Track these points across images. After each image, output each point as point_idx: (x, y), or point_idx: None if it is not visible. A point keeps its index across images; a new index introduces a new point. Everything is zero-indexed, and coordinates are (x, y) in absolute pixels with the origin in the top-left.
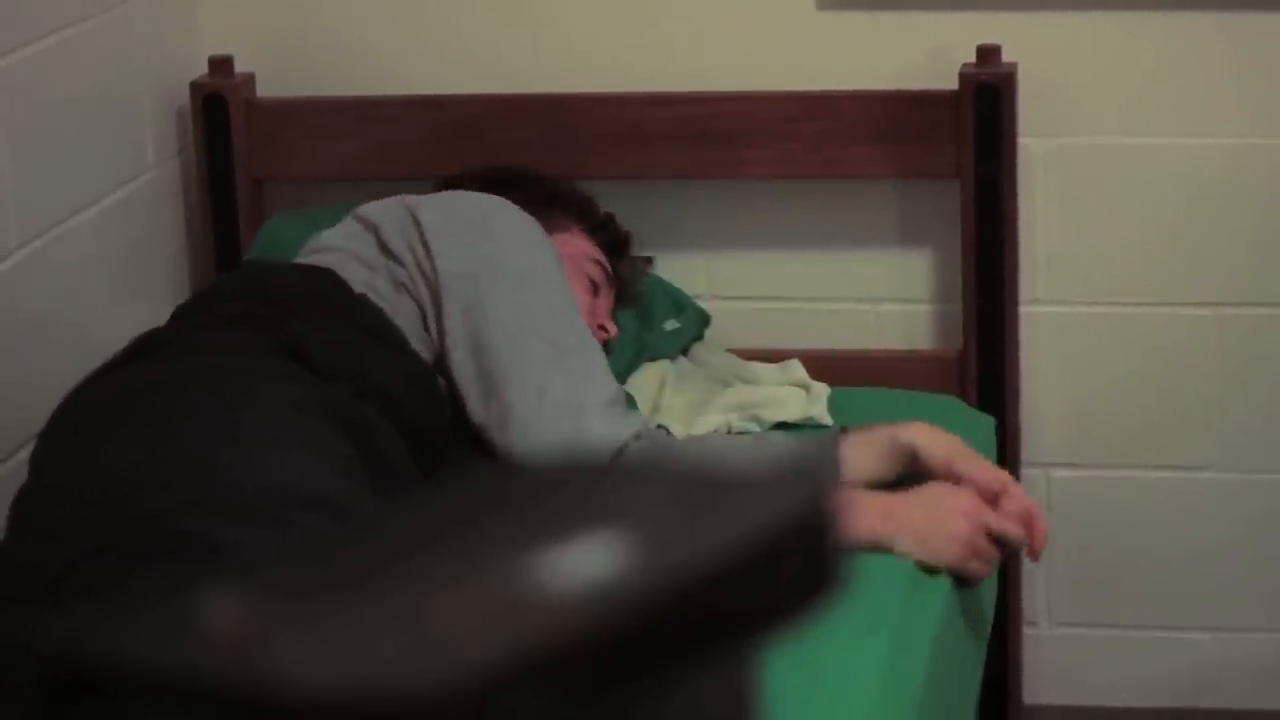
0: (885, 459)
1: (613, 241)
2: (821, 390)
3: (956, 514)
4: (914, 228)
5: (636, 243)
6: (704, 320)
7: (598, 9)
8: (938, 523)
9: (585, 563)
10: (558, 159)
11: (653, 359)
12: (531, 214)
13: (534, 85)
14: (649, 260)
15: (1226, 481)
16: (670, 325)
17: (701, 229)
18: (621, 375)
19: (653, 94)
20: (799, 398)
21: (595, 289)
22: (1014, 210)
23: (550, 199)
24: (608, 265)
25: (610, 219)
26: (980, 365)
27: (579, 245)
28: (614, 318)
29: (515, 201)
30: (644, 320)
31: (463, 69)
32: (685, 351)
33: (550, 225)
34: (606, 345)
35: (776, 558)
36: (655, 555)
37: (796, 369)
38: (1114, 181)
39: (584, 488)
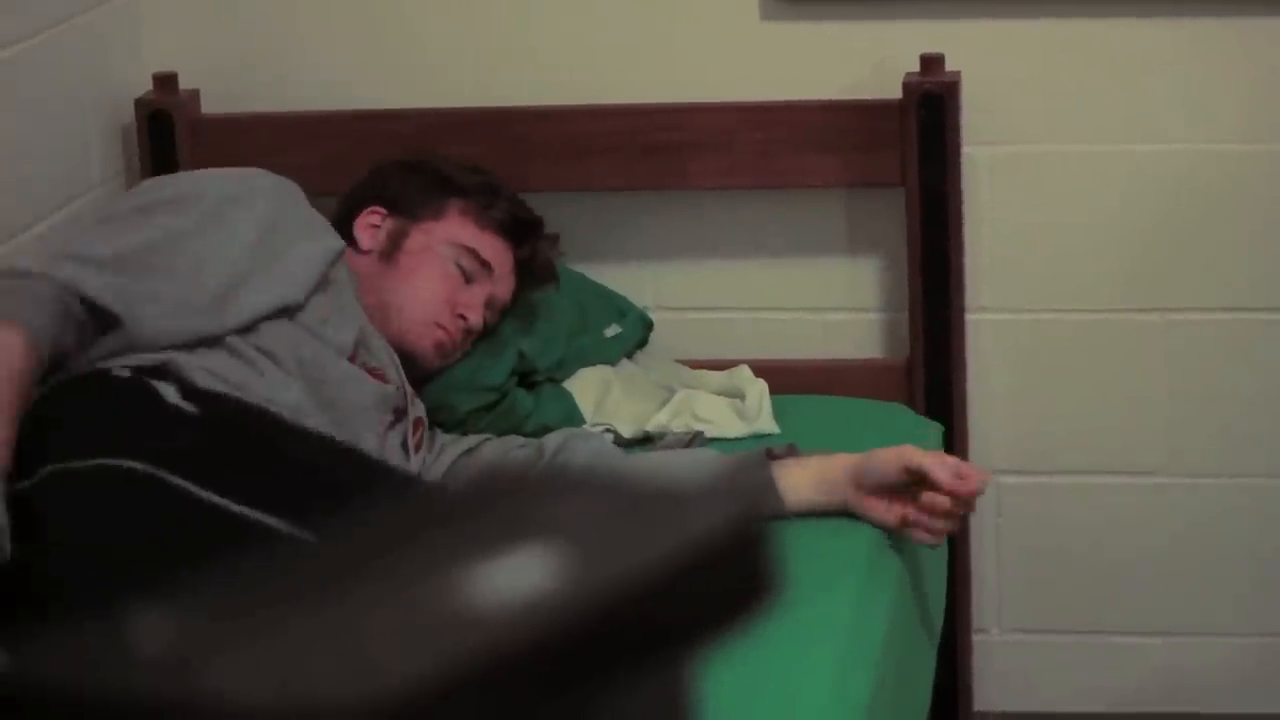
0: (822, 485)
1: (507, 227)
2: (761, 393)
3: None
4: (860, 237)
5: (583, 255)
6: (646, 325)
7: (543, 23)
8: None
9: (517, 578)
10: (504, 172)
11: (593, 364)
12: (401, 202)
13: (480, 99)
14: (554, 239)
15: (1175, 486)
16: (611, 331)
17: (648, 240)
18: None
19: (598, 107)
20: (737, 417)
21: (466, 277)
22: (959, 218)
23: (431, 186)
24: (484, 253)
25: (507, 205)
26: (928, 373)
27: (444, 232)
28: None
29: (392, 187)
30: (585, 326)
31: (409, 83)
32: (629, 356)
33: (420, 214)
34: (469, 336)
35: (710, 570)
36: (587, 569)
37: (743, 373)
38: (1059, 188)
39: (517, 503)
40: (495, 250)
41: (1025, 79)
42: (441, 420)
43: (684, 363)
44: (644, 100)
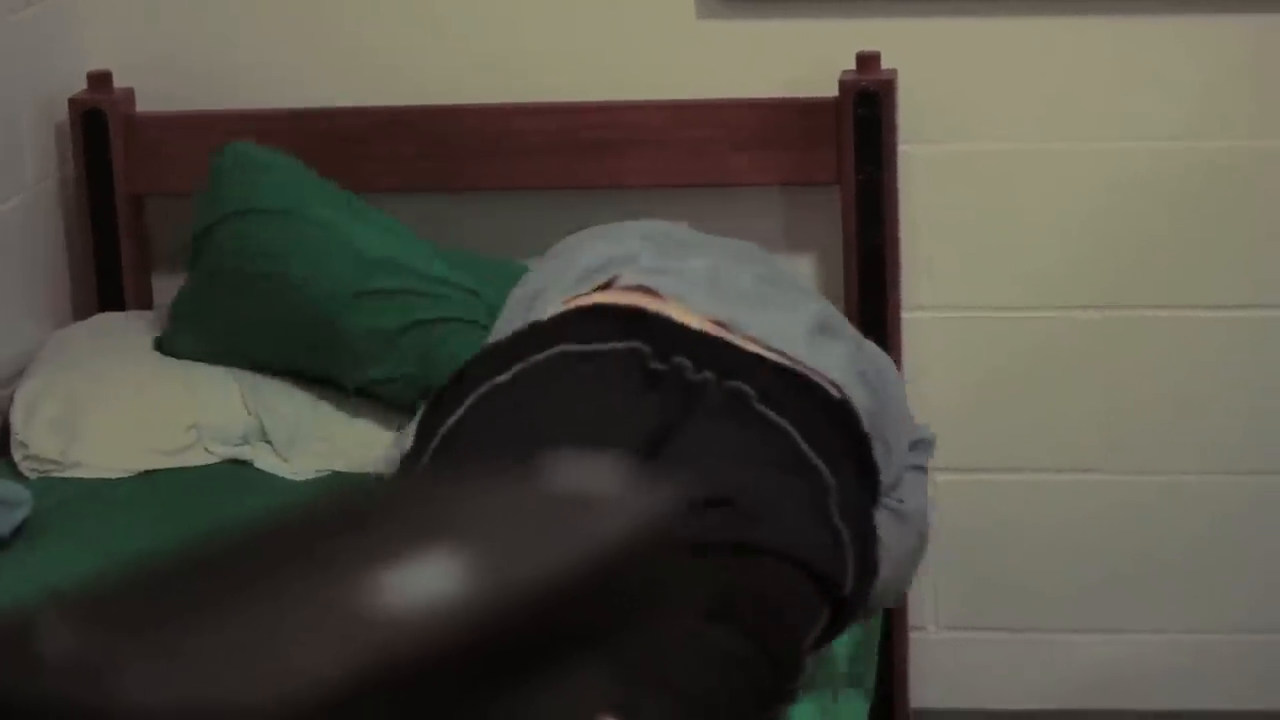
0: None
1: None
2: None
3: None
4: (797, 235)
5: (516, 255)
6: None
7: (479, 20)
8: None
9: (426, 581)
10: (438, 171)
11: None
12: None
13: (414, 98)
14: None
15: (1112, 484)
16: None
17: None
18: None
19: (532, 105)
20: None
21: None
22: (895, 216)
23: None
24: None
25: None
26: None
27: None
28: None
29: None
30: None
31: (344, 82)
32: None
33: None
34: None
35: (621, 573)
36: (498, 572)
37: None
38: (995, 186)
39: (428, 505)
40: None
41: (961, 77)
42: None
43: None
44: (580, 99)
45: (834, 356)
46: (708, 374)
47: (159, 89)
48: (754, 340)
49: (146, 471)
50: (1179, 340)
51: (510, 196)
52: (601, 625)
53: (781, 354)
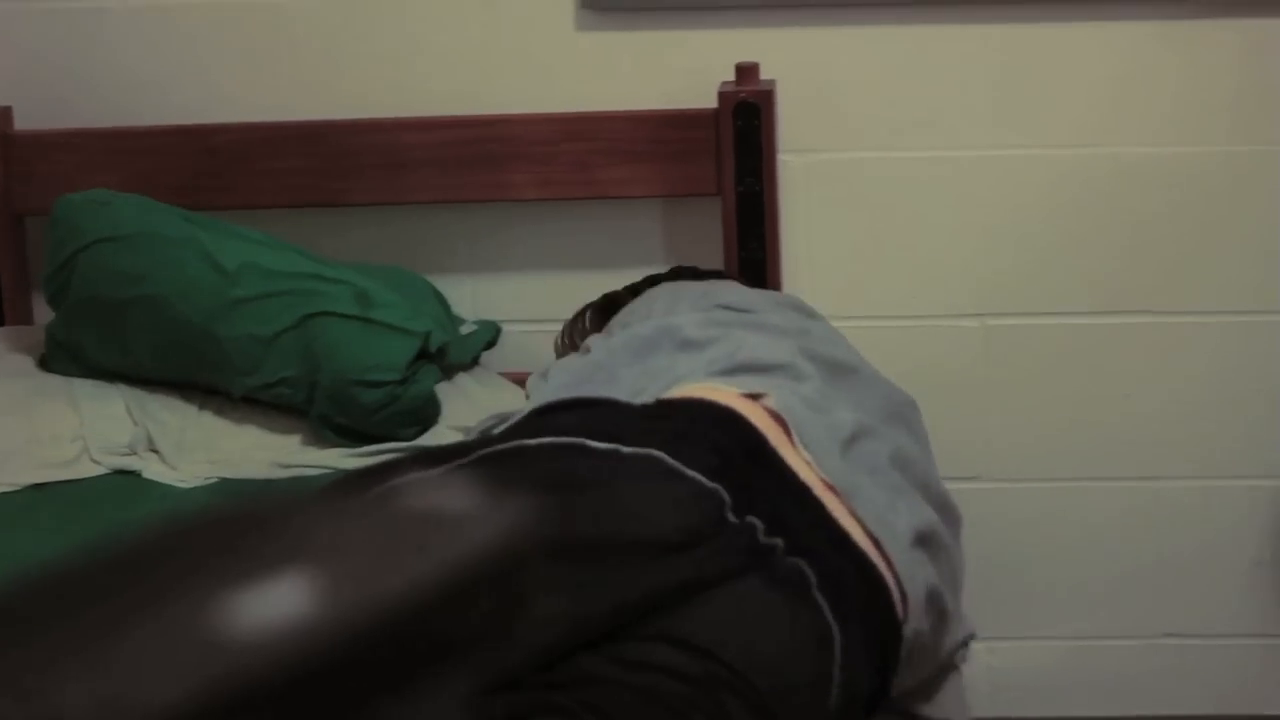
0: None
1: None
2: None
3: None
4: (679, 245)
5: (405, 267)
6: (496, 327)
7: (357, 35)
8: None
9: (279, 602)
10: (323, 186)
11: (453, 363)
12: None
13: (299, 112)
14: None
15: (996, 490)
16: (467, 329)
17: (467, 252)
18: (407, 373)
19: (414, 119)
20: None
21: None
22: (776, 226)
23: None
24: None
25: None
26: None
27: None
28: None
29: None
30: (445, 324)
31: (228, 97)
32: (476, 360)
33: None
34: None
35: (476, 589)
36: (351, 591)
37: None
38: (875, 195)
39: (282, 525)
40: None
41: (841, 86)
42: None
43: (506, 375)
44: (461, 112)
45: (923, 575)
46: (778, 540)
47: (37, 107)
48: (857, 520)
49: (36, 485)
50: (1061, 347)
51: (396, 211)
52: (459, 641)
53: (876, 545)
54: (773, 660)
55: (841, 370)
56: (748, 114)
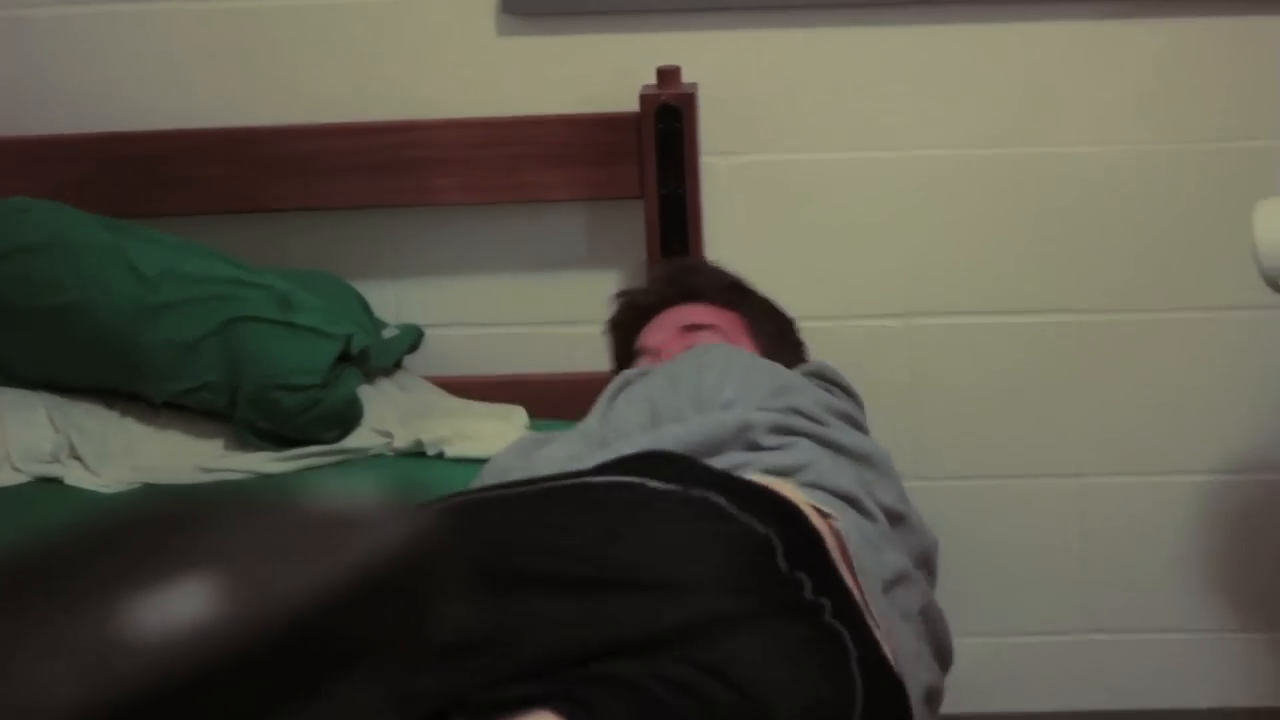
0: None
1: None
2: (522, 414)
3: None
4: (601, 249)
5: (322, 270)
6: (418, 331)
7: (279, 42)
8: None
9: (178, 606)
10: (247, 192)
11: (375, 366)
12: None
13: (218, 120)
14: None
15: (922, 489)
16: (389, 333)
17: (392, 257)
18: (328, 376)
19: (337, 125)
20: (518, 433)
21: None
22: (699, 228)
23: None
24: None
25: None
26: None
27: None
28: None
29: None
30: (367, 327)
31: (145, 106)
32: (398, 364)
33: None
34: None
35: (381, 590)
36: (253, 594)
37: (519, 416)
38: (799, 196)
39: (177, 528)
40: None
41: (763, 88)
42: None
43: (431, 379)
44: (384, 117)
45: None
46: (825, 601)
47: None
48: (891, 653)
49: None
50: (981, 345)
51: (319, 216)
52: (364, 643)
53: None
54: (801, 707)
55: (894, 516)
56: (669, 117)
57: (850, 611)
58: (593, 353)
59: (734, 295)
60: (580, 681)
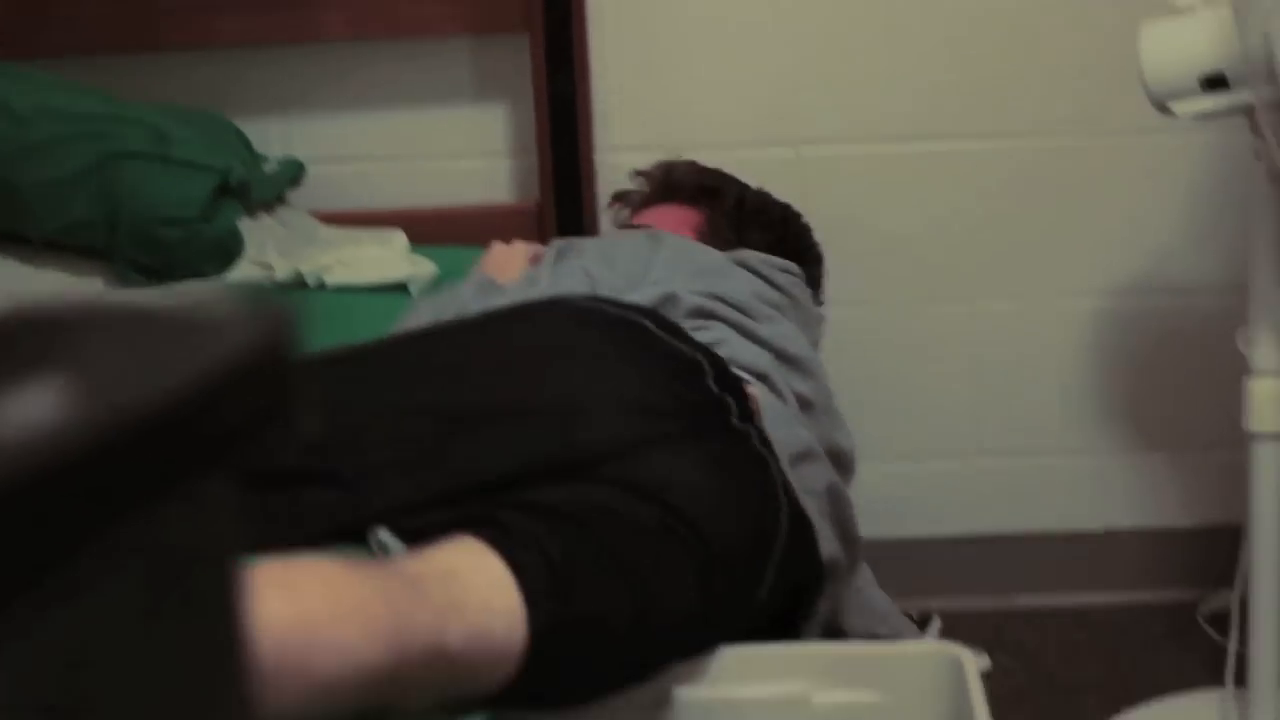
0: None
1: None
2: (404, 241)
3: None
4: (487, 84)
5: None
6: (299, 165)
7: None
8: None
9: (29, 406)
10: (126, 31)
11: (256, 201)
12: None
13: None
14: None
15: None
16: (270, 167)
17: (277, 93)
18: (207, 210)
19: None
20: (398, 259)
21: None
22: (585, 61)
23: None
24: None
25: None
26: (560, 215)
27: None
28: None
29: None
30: (246, 160)
31: None
32: (280, 198)
33: None
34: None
35: (234, 390)
36: (102, 394)
37: (400, 240)
38: (685, 25)
39: (29, 332)
40: None
41: None
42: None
43: (317, 214)
44: None
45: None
46: (751, 429)
47: None
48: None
49: None
50: (876, 173)
51: (205, 54)
52: (220, 441)
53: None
54: (730, 528)
55: (805, 402)
56: None
57: (770, 446)
58: (478, 186)
59: (703, 196)
60: (502, 507)
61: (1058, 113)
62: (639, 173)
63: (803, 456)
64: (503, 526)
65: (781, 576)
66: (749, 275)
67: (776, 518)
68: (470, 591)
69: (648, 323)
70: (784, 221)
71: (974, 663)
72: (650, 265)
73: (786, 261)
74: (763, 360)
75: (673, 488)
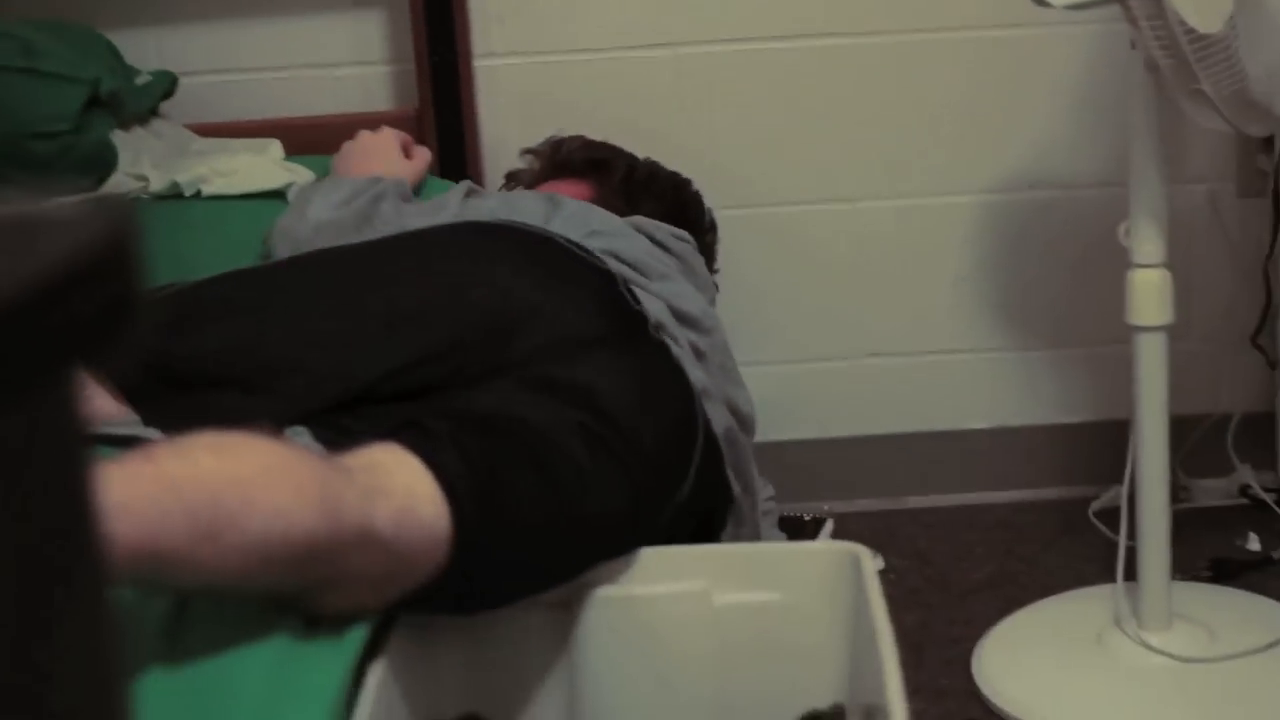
0: None
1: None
2: (279, 149)
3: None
4: None
5: (85, 21)
6: (173, 78)
7: None
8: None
9: None
10: None
11: (130, 113)
12: None
13: None
14: None
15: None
16: (142, 79)
17: (150, 4)
18: (78, 122)
19: None
20: (274, 167)
21: None
22: None
23: None
24: None
25: None
26: (440, 122)
27: None
28: None
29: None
30: (117, 71)
31: None
32: (154, 111)
33: None
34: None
35: (73, 292)
36: None
37: (275, 148)
38: None
39: None
40: None
41: None
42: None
43: (194, 127)
44: None
45: None
46: (667, 341)
47: None
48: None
49: None
50: (757, 67)
51: None
52: (65, 340)
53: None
54: (655, 433)
55: (699, 353)
56: None
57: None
58: (354, 94)
59: (592, 169)
60: (427, 415)
61: (936, 7)
62: (527, 151)
63: (703, 393)
64: (422, 430)
65: (698, 482)
66: (644, 239)
67: (694, 424)
68: (394, 478)
69: (563, 241)
70: (675, 189)
71: (871, 561)
72: (549, 222)
73: (680, 230)
74: (658, 310)
75: (601, 393)
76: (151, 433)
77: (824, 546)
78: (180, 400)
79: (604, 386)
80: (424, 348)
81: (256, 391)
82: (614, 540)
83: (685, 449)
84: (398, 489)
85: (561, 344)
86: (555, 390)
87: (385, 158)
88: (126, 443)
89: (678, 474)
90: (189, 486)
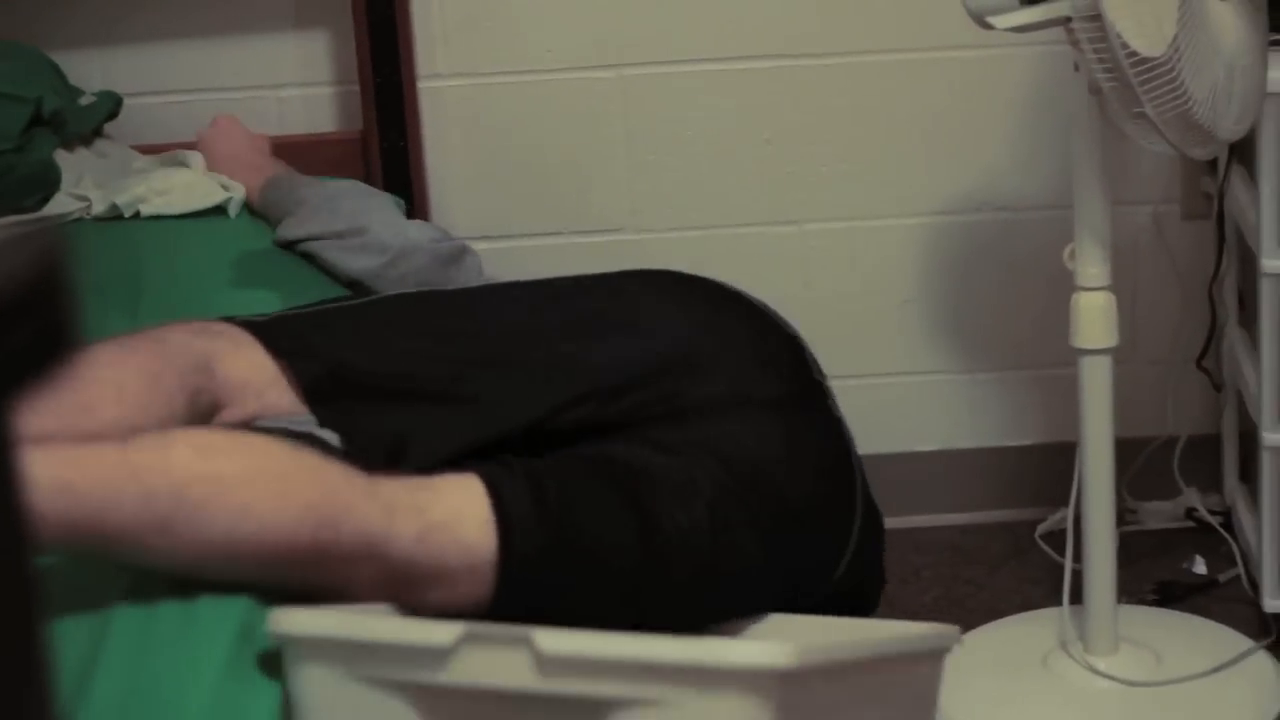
0: None
1: None
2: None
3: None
4: (307, 11)
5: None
6: (117, 99)
7: None
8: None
9: None
10: None
11: (73, 133)
12: None
13: None
14: None
15: (635, 243)
16: (86, 100)
17: (96, 25)
18: (20, 141)
19: None
20: (210, 184)
21: None
22: None
23: None
24: None
25: None
26: (384, 144)
27: None
28: None
29: None
30: (61, 91)
31: None
32: (98, 132)
33: None
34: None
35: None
36: None
37: (197, 159)
38: None
39: None
40: None
41: None
42: None
43: (140, 148)
44: None
45: None
46: (842, 416)
47: None
48: None
49: None
50: (701, 91)
51: None
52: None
53: None
54: (792, 483)
55: None
56: None
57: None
58: (299, 115)
59: None
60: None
61: (883, 30)
62: None
63: None
64: (503, 463)
65: (857, 559)
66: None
67: (852, 500)
68: (441, 498)
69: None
70: None
71: None
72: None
73: None
74: None
75: (753, 457)
76: (327, 434)
77: None
78: (358, 407)
79: (763, 452)
80: (592, 385)
81: (442, 406)
82: (739, 596)
83: (843, 525)
84: (439, 508)
85: (742, 398)
86: (705, 445)
87: (236, 145)
88: (302, 439)
89: (830, 545)
90: (151, 475)
